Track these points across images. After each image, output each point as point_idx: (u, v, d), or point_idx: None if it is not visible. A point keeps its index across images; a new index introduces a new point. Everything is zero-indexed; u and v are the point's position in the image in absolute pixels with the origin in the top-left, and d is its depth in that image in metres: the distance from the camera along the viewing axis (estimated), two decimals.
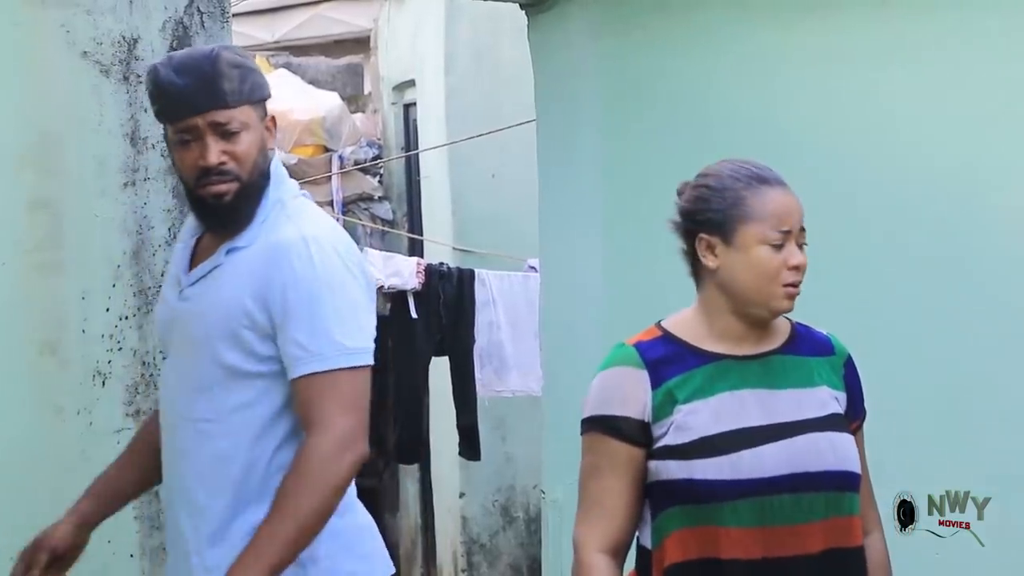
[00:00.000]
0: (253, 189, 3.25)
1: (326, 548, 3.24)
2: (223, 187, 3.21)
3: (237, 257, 3.25)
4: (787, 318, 3.10)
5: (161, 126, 3.36)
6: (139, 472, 3.56)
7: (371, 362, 3.22)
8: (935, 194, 4.38)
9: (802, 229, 2.99)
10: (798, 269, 2.96)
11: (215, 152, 3.19)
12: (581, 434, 3.06)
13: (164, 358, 3.47)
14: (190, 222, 3.43)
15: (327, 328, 3.16)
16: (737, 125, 4.60)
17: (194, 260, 3.35)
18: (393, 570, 3.40)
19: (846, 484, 2.99)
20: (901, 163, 4.42)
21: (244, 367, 3.22)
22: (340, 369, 3.15)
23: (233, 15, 4.74)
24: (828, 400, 3.04)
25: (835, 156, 4.51)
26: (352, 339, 3.18)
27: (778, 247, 2.96)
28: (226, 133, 3.21)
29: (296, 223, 3.25)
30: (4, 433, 4.21)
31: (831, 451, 2.98)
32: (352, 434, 3.14)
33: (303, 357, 3.16)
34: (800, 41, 4.56)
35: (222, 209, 3.23)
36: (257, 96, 3.27)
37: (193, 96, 3.19)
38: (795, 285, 2.97)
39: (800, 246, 2.98)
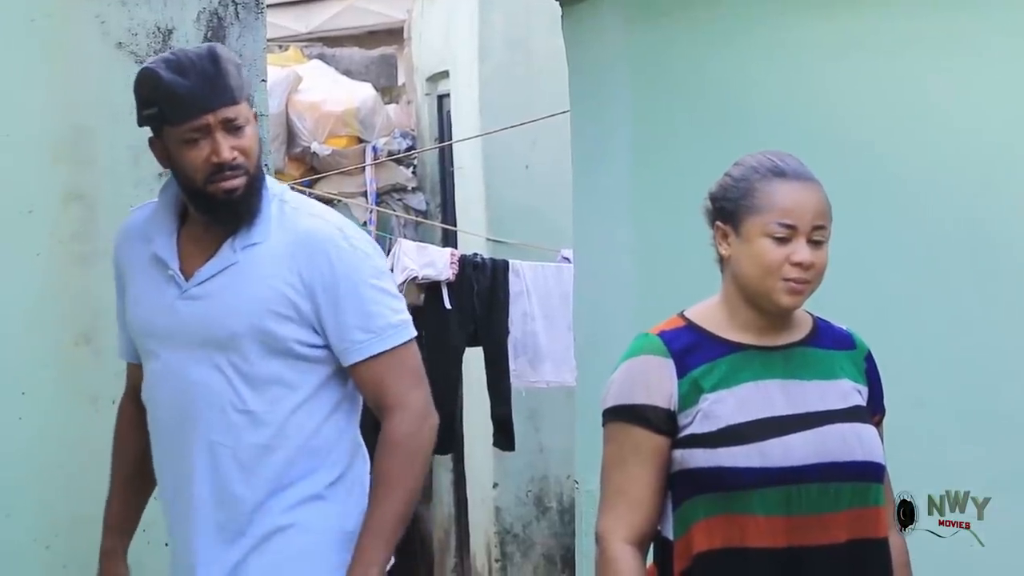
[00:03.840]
0: (258, 182, 3.32)
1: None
2: (235, 182, 3.27)
3: (257, 252, 3.31)
4: (808, 312, 3.10)
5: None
6: (143, 486, 3.62)
7: (416, 332, 3.40)
8: (966, 186, 4.36)
9: (819, 227, 2.96)
10: (802, 266, 2.94)
11: (226, 147, 3.25)
12: (603, 424, 3.06)
13: (146, 360, 3.46)
14: (153, 217, 3.43)
15: (379, 310, 3.32)
16: (769, 115, 4.59)
17: (183, 258, 3.36)
18: None
19: (872, 475, 3.00)
20: (933, 153, 4.40)
21: (283, 358, 3.30)
22: (400, 345, 3.32)
23: (267, 6, 4.74)
24: (851, 392, 3.05)
25: (869, 146, 4.49)
26: (400, 313, 3.36)
27: (782, 241, 2.95)
28: (234, 128, 3.27)
29: (313, 213, 3.39)
30: (39, 423, 4.23)
31: (857, 442, 2.99)
32: (426, 404, 3.36)
33: (366, 340, 3.30)
34: (833, 31, 4.54)
35: (234, 204, 3.28)
36: (250, 91, 3.39)
37: (203, 95, 3.23)
38: (799, 281, 2.96)
39: (815, 243, 2.96)
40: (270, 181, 3.40)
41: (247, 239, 3.31)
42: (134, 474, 3.60)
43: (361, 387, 3.36)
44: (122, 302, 3.53)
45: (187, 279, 3.34)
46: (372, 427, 3.38)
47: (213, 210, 3.31)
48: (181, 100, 3.23)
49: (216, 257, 3.32)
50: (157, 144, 3.35)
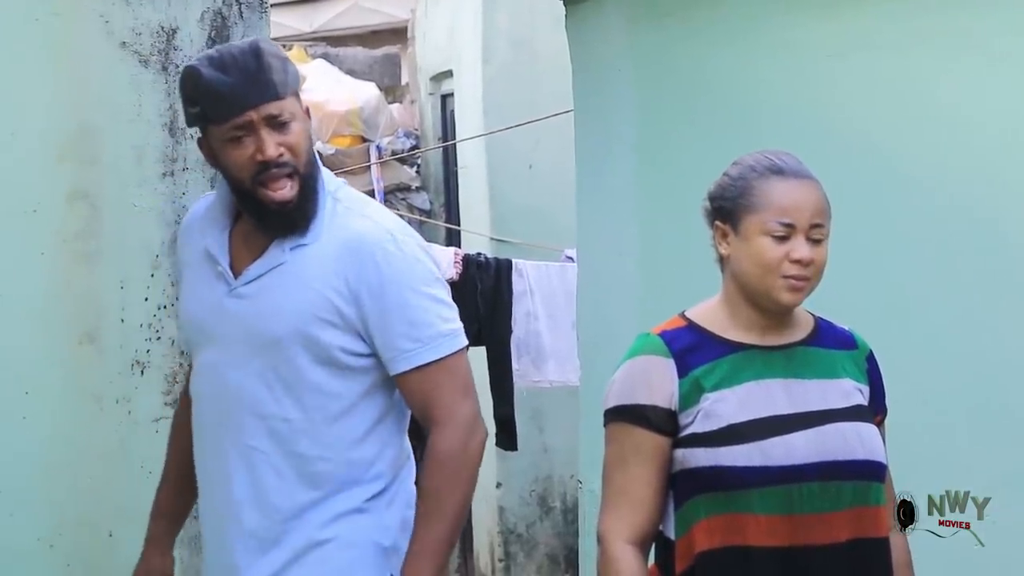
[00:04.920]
0: (311, 181, 3.23)
1: (402, 539, 3.29)
2: (285, 190, 3.17)
3: (305, 254, 3.22)
4: (809, 312, 3.10)
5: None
6: (194, 480, 3.54)
7: (467, 341, 3.29)
8: (974, 184, 4.36)
9: (817, 225, 2.96)
10: (801, 263, 2.94)
11: (272, 145, 3.16)
12: (605, 424, 3.05)
13: (194, 350, 3.39)
14: (210, 211, 3.36)
15: (427, 318, 3.21)
16: (774, 115, 4.59)
17: (234, 254, 3.29)
18: None
19: (873, 474, 3.00)
20: (941, 152, 4.39)
21: (326, 365, 3.22)
22: (449, 355, 3.22)
23: (271, 5, 4.75)
24: (852, 391, 3.05)
25: (875, 145, 4.49)
26: (450, 322, 3.25)
27: (781, 239, 2.95)
28: (279, 125, 3.17)
29: (365, 214, 3.27)
30: (44, 422, 4.23)
31: (858, 441, 2.99)
32: (474, 417, 3.25)
33: (413, 349, 3.20)
34: (838, 30, 4.54)
35: (288, 214, 3.20)
36: (298, 85, 3.26)
37: (245, 91, 3.14)
38: (798, 279, 2.95)
39: (815, 241, 2.96)
40: (326, 176, 3.29)
41: (297, 239, 3.22)
42: (188, 464, 3.49)
43: (407, 398, 3.27)
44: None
45: (236, 276, 3.26)
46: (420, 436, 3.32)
47: (264, 217, 3.22)
48: (222, 98, 3.14)
49: (265, 256, 3.24)
50: (204, 144, 3.26)
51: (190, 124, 3.31)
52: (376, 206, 3.39)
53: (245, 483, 3.25)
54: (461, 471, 3.22)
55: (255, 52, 3.18)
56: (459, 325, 3.28)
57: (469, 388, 3.27)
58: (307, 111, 3.27)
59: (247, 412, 3.24)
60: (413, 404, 3.27)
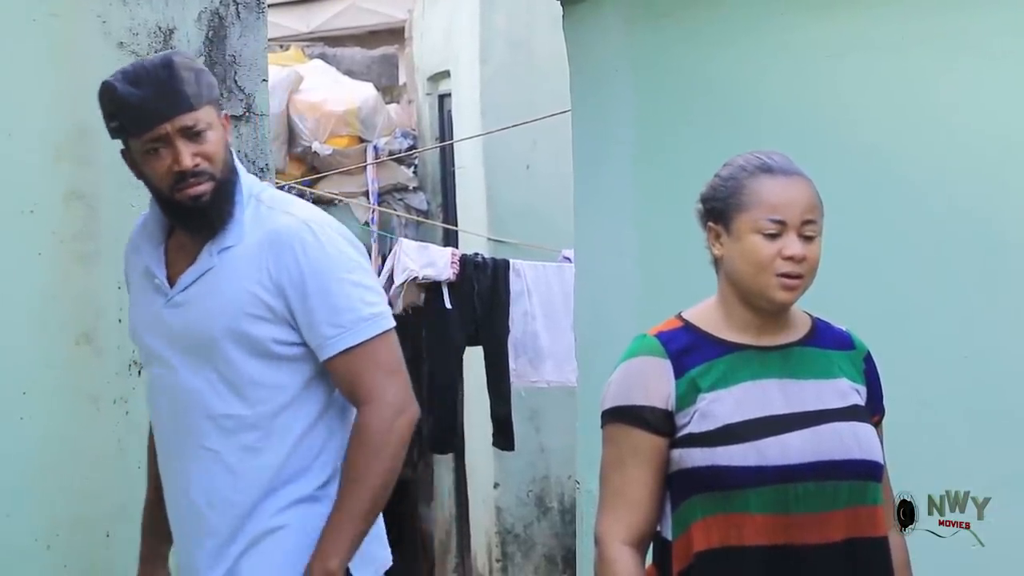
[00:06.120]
0: (227, 185, 3.30)
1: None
2: (201, 187, 3.25)
3: (232, 255, 3.30)
4: (807, 313, 3.10)
5: (116, 143, 3.35)
6: None
7: (394, 323, 3.33)
8: (972, 185, 4.36)
9: (809, 221, 2.97)
10: (794, 260, 2.95)
11: (187, 155, 3.24)
12: (602, 425, 3.07)
13: (145, 365, 3.47)
14: (144, 228, 3.44)
15: (348, 304, 3.27)
16: (772, 116, 4.59)
17: (170, 266, 3.37)
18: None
19: (869, 473, 3.00)
20: (939, 153, 4.40)
21: (263, 358, 3.29)
22: (373, 337, 3.27)
23: (268, 5, 4.74)
24: (849, 392, 3.05)
25: (874, 146, 4.49)
26: (373, 306, 3.30)
27: (772, 237, 2.96)
28: (194, 135, 3.25)
29: (286, 211, 3.34)
30: (41, 422, 4.23)
31: (854, 440, 2.99)
32: (402, 396, 3.29)
33: (336, 335, 3.26)
34: (837, 30, 4.54)
35: (202, 209, 3.27)
36: (214, 95, 3.33)
37: (157, 104, 3.23)
38: (791, 276, 2.96)
39: (807, 238, 2.96)
40: (248, 181, 3.38)
41: (222, 243, 3.30)
42: None
43: (337, 384, 3.32)
44: None
45: (172, 287, 3.35)
46: None
47: (184, 218, 3.31)
48: (137, 111, 3.24)
49: (196, 263, 3.32)
50: (127, 155, 3.35)
51: (113, 138, 3.37)
52: (300, 203, 3.45)
53: (202, 484, 3.31)
54: (384, 447, 3.26)
55: (167, 65, 3.26)
56: (384, 308, 3.33)
57: (396, 369, 3.32)
58: (226, 118, 3.35)
59: (198, 415, 3.31)
60: (342, 388, 3.32)
